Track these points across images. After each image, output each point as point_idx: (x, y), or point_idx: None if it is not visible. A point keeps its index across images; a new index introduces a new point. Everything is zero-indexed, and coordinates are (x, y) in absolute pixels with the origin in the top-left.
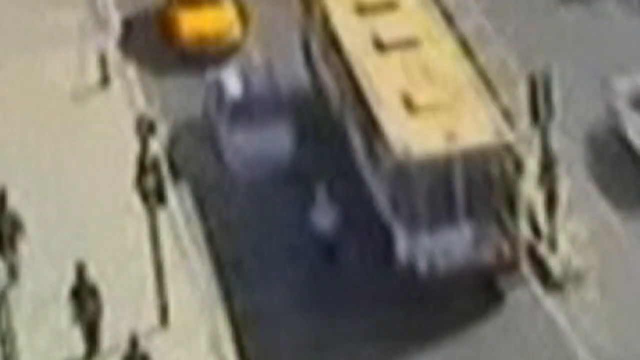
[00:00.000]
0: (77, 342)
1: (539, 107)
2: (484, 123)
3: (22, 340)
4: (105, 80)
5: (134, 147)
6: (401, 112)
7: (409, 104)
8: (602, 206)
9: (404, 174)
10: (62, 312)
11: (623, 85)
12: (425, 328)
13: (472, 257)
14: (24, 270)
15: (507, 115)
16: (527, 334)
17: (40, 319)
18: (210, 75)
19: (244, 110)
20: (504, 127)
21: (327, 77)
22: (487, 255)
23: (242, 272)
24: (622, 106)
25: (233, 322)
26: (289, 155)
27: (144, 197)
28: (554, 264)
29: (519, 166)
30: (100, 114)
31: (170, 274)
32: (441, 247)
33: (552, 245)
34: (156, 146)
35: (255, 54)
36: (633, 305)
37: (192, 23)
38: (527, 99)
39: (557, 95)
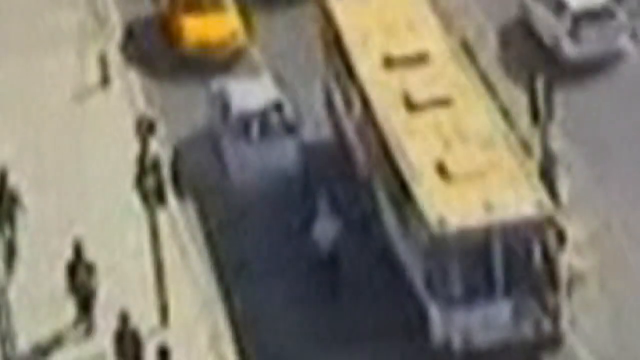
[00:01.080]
0: (77, 343)
1: (539, 107)
2: (524, 192)
3: (22, 341)
4: (105, 80)
5: (134, 147)
6: (435, 179)
7: (443, 170)
8: (602, 206)
9: (439, 247)
10: (62, 313)
11: None
12: None
13: (510, 334)
14: (24, 272)
15: (551, 185)
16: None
17: (41, 320)
18: (215, 85)
19: (249, 122)
20: (544, 196)
21: (351, 132)
22: (527, 332)
23: (242, 272)
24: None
25: (233, 322)
26: (295, 169)
27: (144, 197)
28: None
29: (561, 238)
30: (100, 114)
31: (170, 274)
32: (478, 323)
33: None
34: (156, 146)
35: (259, 62)
36: (633, 305)
37: (195, 29)
38: (527, 99)
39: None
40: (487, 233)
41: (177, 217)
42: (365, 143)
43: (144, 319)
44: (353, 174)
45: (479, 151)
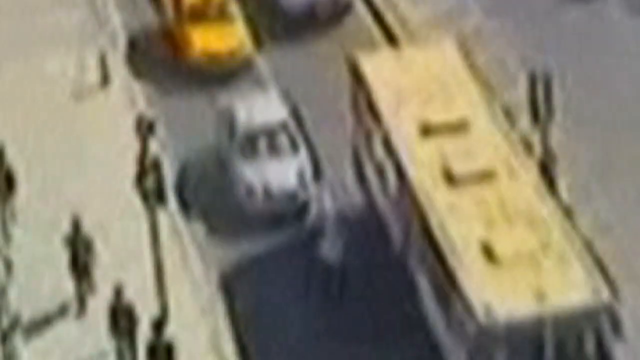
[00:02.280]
0: (79, 346)
1: (539, 107)
2: (578, 277)
3: (20, 343)
4: (105, 80)
5: (134, 147)
6: (481, 263)
7: (489, 253)
8: (602, 206)
9: (486, 338)
10: (62, 313)
11: None
12: None
13: None
14: (25, 270)
15: (603, 268)
16: None
17: (41, 323)
18: (221, 101)
19: (256, 139)
20: (600, 281)
21: (384, 205)
22: None
23: (243, 272)
24: None
25: (233, 322)
26: (305, 191)
27: (144, 197)
28: None
29: (616, 327)
30: (100, 114)
31: (170, 274)
32: None
33: None
34: (156, 146)
35: (266, 76)
36: (633, 305)
37: (202, 39)
38: (527, 99)
39: (557, 95)
40: (538, 323)
41: (177, 217)
42: (401, 218)
43: (145, 319)
44: (386, 248)
45: (527, 231)
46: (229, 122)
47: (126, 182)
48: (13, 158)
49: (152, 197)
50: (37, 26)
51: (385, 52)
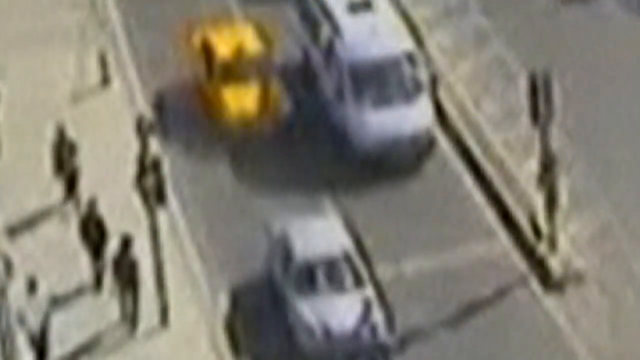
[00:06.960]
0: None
1: (539, 107)
2: None
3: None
4: (105, 80)
5: (134, 147)
6: None
7: None
8: (603, 206)
9: None
10: (64, 314)
11: None
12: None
13: None
14: (26, 273)
15: None
16: (527, 334)
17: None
18: (276, 226)
19: (314, 271)
20: None
21: None
22: None
23: (243, 272)
24: None
25: (233, 322)
26: (364, 323)
27: (144, 197)
28: (554, 264)
29: None
30: (100, 114)
31: (170, 274)
32: None
33: (552, 245)
34: (156, 146)
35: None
36: (633, 305)
37: (236, 101)
38: (527, 99)
39: (557, 95)
40: None
41: (177, 217)
42: None
43: (144, 320)
44: None
45: None
46: (284, 250)
47: (126, 182)
48: (12, 159)
49: (152, 197)
50: (37, 26)
51: None
